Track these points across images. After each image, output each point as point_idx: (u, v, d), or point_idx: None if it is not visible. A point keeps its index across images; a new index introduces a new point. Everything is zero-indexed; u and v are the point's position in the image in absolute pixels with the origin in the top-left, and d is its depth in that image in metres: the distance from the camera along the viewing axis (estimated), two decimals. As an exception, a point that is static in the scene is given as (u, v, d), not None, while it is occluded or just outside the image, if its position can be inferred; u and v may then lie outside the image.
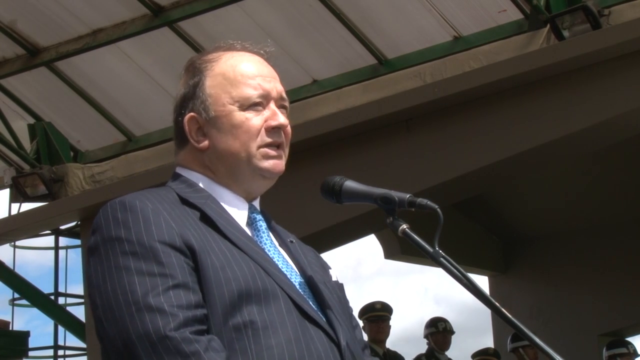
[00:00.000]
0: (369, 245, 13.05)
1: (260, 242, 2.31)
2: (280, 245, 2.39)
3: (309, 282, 2.31)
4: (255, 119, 2.30)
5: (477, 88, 7.10)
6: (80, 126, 9.96)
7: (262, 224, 2.36)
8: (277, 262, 2.28)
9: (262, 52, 2.39)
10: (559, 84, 6.95)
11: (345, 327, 2.30)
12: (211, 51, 2.39)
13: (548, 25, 7.38)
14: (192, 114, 2.32)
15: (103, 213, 2.22)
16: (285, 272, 2.27)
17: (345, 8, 8.49)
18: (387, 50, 8.74)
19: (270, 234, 2.37)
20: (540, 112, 7.00)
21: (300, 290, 2.26)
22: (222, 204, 2.31)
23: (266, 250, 2.30)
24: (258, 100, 2.31)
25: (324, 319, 2.24)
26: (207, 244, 2.19)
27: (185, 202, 2.26)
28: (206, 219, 2.24)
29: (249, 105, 2.30)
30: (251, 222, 2.34)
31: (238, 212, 2.32)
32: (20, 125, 9.64)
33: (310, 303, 2.25)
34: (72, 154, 9.85)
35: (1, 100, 9.64)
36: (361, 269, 26.03)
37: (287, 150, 2.37)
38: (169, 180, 2.38)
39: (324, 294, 2.30)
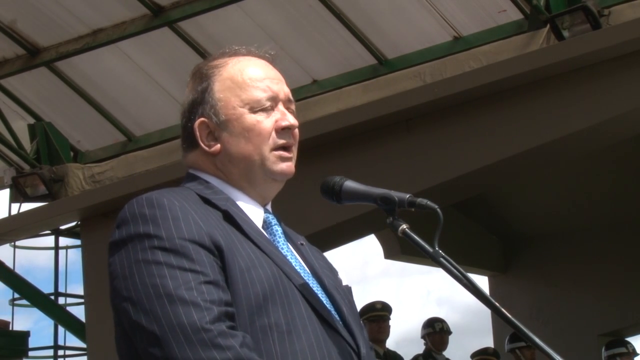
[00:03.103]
0: (371, 246, 13.04)
1: (278, 245, 2.32)
2: (294, 248, 2.39)
3: (324, 287, 2.31)
4: (266, 121, 2.31)
5: (477, 88, 7.11)
6: (80, 126, 9.96)
7: (278, 228, 2.36)
8: (295, 266, 2.29)
9: (267, 55, 2.41)
10: (559, 84, 6.95)
11: (360, 332, 2.31)
12: (217, 57, 2.39)
13: (548, 25, 7.38)
14: (202, 119, 2.32)
15: (129, 209, 2.21)
16: (304, 277, 2.27)
17: (345, 8, 8.49)
18: (387, 50, 8.74)
19: (285, 238, 2.38)
20: (540, 112, 7.00)
21: (318, 296, 2.26)
22: (240, 206, 2.31)
23: (284, 254, 2.30)
24: (267, 102, 2.32)
25: (342, 326, 2.25)
26: (232, 244, 2.19)
27: (207, 202, 2.26)
28: (229, 220, 2.24)
29: (259, 108, 2.31)
30: (267, 226, 2.34)
31: (255, 214, 2.32)
32: (20, 125, 9.64)
33: (329, 309, 2.26)
34: (72, 154, 9.85)
35: (1, 100, 9.64)
36: (364, 270, 26.04)
37: (296, 152, 2.40)
38: (183, 181, 2.38)
39: (338, 300, 2.31)
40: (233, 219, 2.24)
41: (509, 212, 11.89)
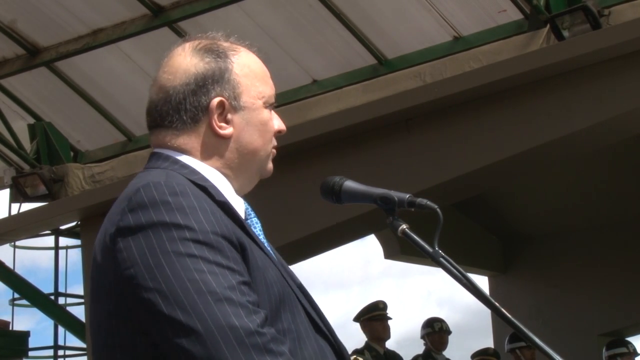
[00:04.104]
0: (372, 246, 13.03)
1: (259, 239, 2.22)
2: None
3: (300, 288, 2.23)
4: (272, 121, 2.26)
5: (477, 88, 7.11)
6: (80, 126, 9.96)
7: (258, 222, 2.25)
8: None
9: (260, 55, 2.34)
10: (558, 84, 6.95)
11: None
12: (217, 39, 2.27)
13: (548, 25, 7.38)
14: (221, 98, 2.18)
15: (147, 193, 2.04)
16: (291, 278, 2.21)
17: (345, 8, 8.49)
18: (387, 50, 8.74)
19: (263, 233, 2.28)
20: (540, 112, 7.01)
21: (305, 298, 2.20)
22: (224, 195, 2.17)
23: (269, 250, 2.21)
24: (274, 101, 2.28)
25: (326, 329, 2.19)
26: (248, 242, 2.08)
27: (202, 189, 2.10)
28: (228, 212, 2.10)
29: (269, 104, 2.25)
30: (246, 217, 2.23)
31: (238, 205, 2.19)
32: (20, 125, 9.65)
33: (314, 312, 2.20)
34: (72, 154, 9.86)
35: (1, 100, 9.64)
36: (365, 270, 26.05)
37: None
38: (157, 162, 2.21)
39: (312, 299, 2.24)
40: (233, 212, 2.11)
41: (509, 212, 11.89)
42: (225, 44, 2.25)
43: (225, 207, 2.10)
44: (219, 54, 2.22)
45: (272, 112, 2.28)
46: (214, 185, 2.15)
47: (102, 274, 2.07)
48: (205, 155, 2.20)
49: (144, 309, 1.98)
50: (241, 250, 2.04)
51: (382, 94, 7.96)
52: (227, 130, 2.19)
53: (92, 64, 9.39)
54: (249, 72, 2.23)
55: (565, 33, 7.17)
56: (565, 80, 6.93)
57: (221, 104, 2.18)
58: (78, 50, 9.17)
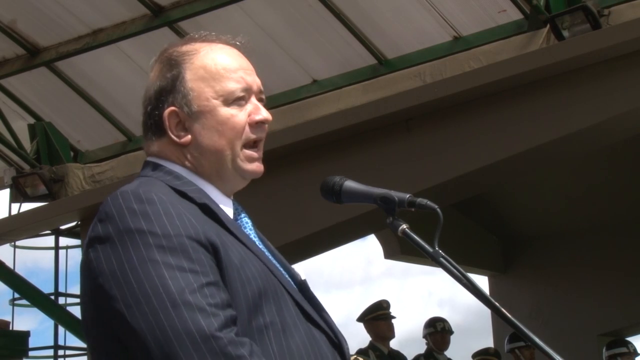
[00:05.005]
0: (373, 246, 13.01)
1: (249, 236, 2.24)
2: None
3: (294, 280, 2.25)
4: (240, 115, 2.22)
5: (477, 88, 7.11)
6: (80, 126, 9.96)
7: (248, 221, 2.27)
8: (271, 259, 2.23)
9: (237, 43, 2.30)
10: (559, 84, 6.96)
11: (336, 326, 2.27)
12: (186, 42, 2.29)
13: (548, 25, 7.39)
14: (172, 108, 2.21)
15: (114, 203, 2.08)
16: (282, 272, 2.22)
17: (345, 8, 8.49)
18: (387, 50, 8.74)
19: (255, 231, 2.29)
20: (540, 112, 7.01)
21: (297, 291, 2.21)
22: (211, 197, 2.21)
23: (259, 247, 2.23)
24: (241, 94, 2.22)
25: (323, 322, 2.20)
26: (223, 240, 2.09)
27: (182, 194, 2.14)
28: (209, 214, 2.13)
29: (232, 100, 2.22)
30: (236, 218, 2.25)
31: (225, 207, 2.22)
32: (20, 125, 9.65)
33: (309, 305, 2.21)
34: (72, 154, 9.86)
35: (1, 100, 9.64)
36: (367, 270, 26.04)
37: (262, 147, 2.30)
38: (144, 170, 2.25)
39: (309, 292, 2.25)
40: (213, 213, 2.14)
41: (509, 212, 11.89)
42: (185, 48, 2.27)
43: (206, 209, 2.14)
44: (174, 63, 2.25)
45: (250, 103, 2.24)
46: (197, 189, 2.19)
47: (83, 284, 2.14)
48: (179, 161, 2.24)
49: (112, 317, 2.03)
50: (213, 249, 2.06)
51: (382, 94, 7.96)
52: (184, 138, 2.22)
53: (92, 64, 9.39)
54: (203, 73, 2.23)
55: (565, 33, 7.17)
56: (565, 80, 6.93)
57: (174, 114, 2.22)
58: (78, 50, 9.17)
